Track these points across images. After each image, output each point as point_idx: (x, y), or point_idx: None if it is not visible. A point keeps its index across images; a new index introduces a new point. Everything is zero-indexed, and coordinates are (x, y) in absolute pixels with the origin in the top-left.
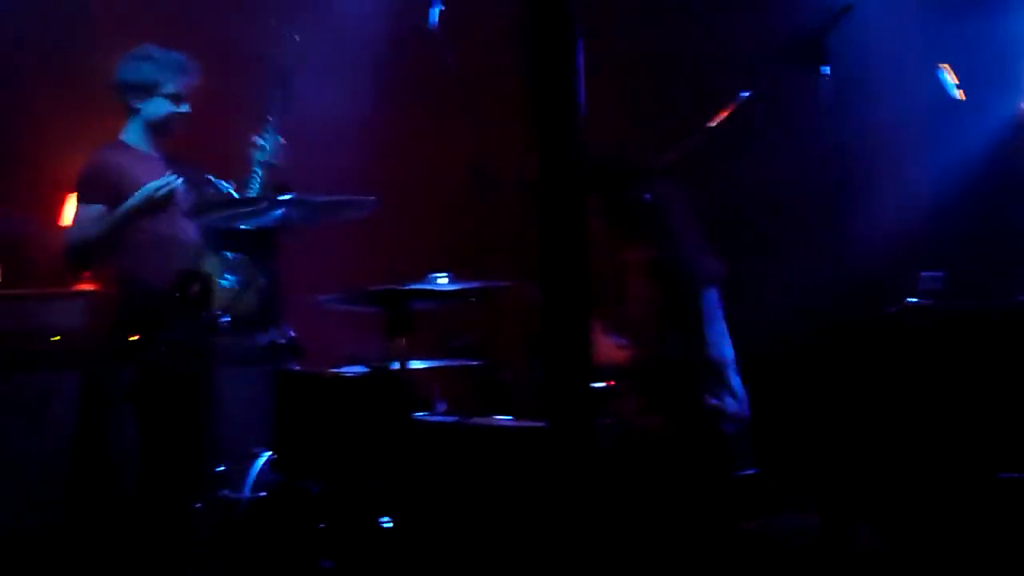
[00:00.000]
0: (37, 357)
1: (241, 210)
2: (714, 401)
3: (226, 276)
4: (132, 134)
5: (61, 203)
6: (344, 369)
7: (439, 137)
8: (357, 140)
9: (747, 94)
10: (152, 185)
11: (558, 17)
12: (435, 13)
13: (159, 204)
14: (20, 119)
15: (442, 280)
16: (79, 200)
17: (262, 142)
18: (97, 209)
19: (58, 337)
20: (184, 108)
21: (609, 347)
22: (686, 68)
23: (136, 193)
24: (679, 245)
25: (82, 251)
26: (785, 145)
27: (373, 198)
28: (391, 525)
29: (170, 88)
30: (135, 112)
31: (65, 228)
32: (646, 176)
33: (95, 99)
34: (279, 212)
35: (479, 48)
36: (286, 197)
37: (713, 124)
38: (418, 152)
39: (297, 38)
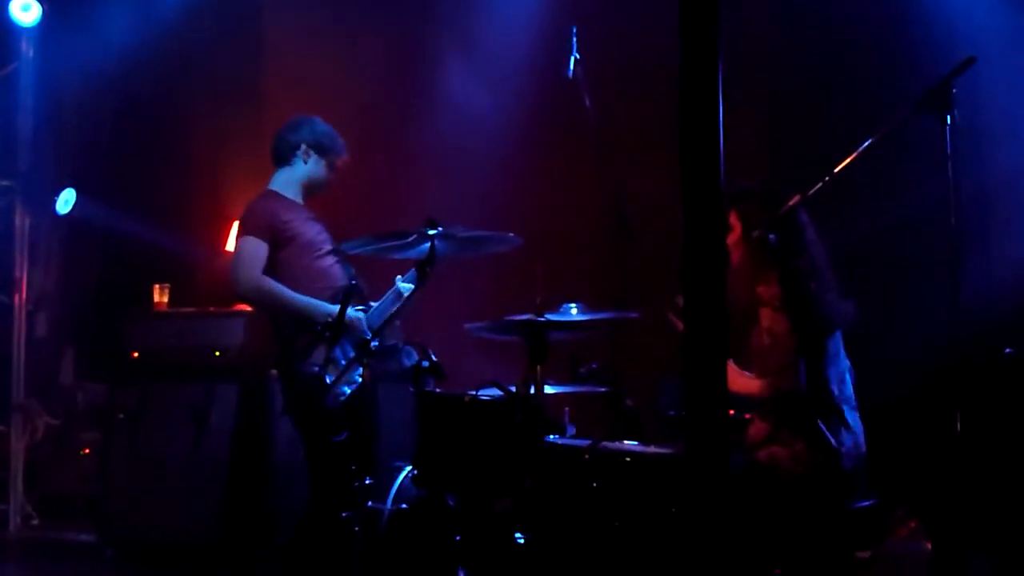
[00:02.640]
0: (200, 370)
1: (391, 243)
2: (831, 436)
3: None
4: (281, 185)
5: (225, 234)
6: (482, 392)
7: (579, 179)
8: (503, 180)
9: (871, 141)
10: (357, 324)
11: (703, 60)
12: (571, 63)
13: (343, 331)
14: (196, 165)
15: (572, 310)
16: (243, 233)
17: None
18: (256, 241)
19: (219, 352)
20: (333, 180)
21: (736, 374)
22: (818, 113)
23: (339, 311)
24: (808, 285)
25: (254, 303)
26: (907, 190)
27: (513, 234)
28: (524, 541)
29: (333, 157)
30: (294, 166)
31: (232, 257)
32: (776, 217)
33: (257, 152)
34: (427, 245)
35: (619, 94)
36: (434, 231)
37: (839, 169)
38: (560, 191)
39: None
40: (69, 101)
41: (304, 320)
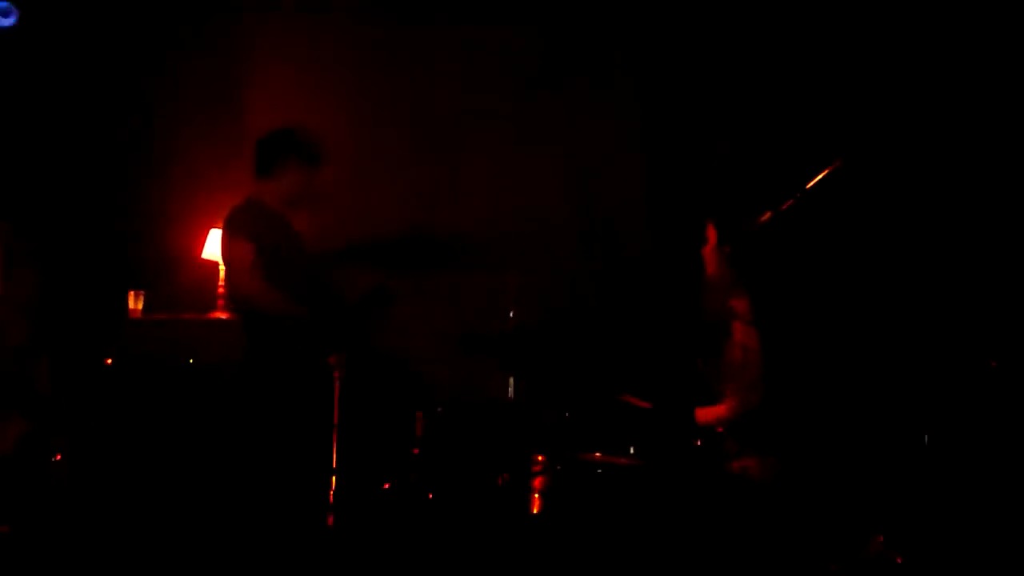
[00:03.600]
0: (177, 377)
1: (364, 254)
2: (801, 448)
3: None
4: (262, 195)
5: (201, 241)
6: (459, 402)
7: (554, 188)
8: (478, 190)
9: (841, 161)
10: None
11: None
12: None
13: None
14: (173, 172)
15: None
16: (230, 238)
17: None
18: (245, 245)
19: (193, 360)
20: (312, 189)
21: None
22: (795, 130)
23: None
24: (777, 301)
25: (253, 306)
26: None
27: (490, 251)
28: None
29: (316, 170)
30: (276, 178)
31: (227, 264)
32: (747, 231)
33: (237, 158)
34: (397, 255)
35: (594, 103)
36: (404, 242)
37: (810, 185)
38: (536, 202)
39: None
40: (46, 103)
41: (292, 325)
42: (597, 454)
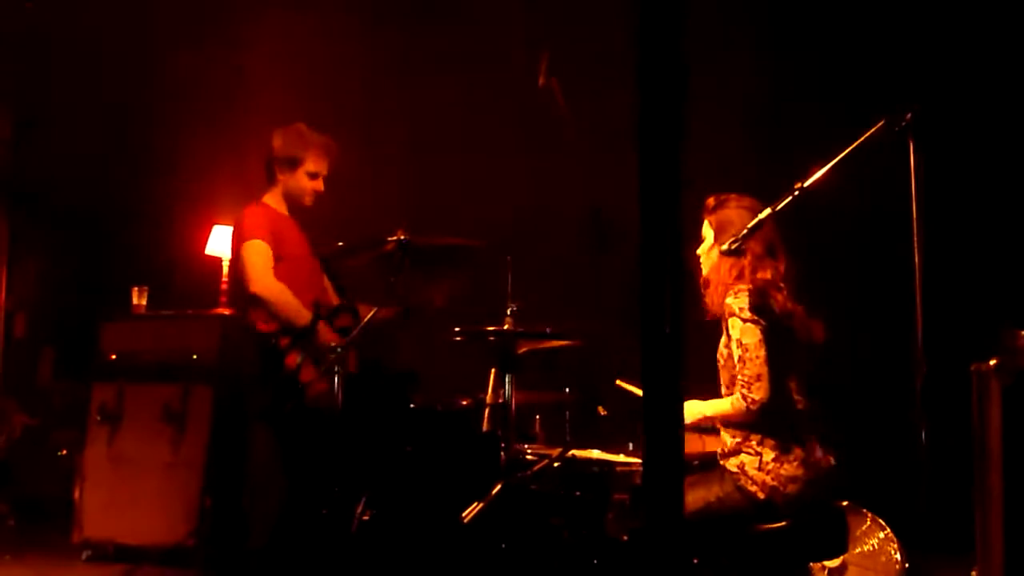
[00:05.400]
0: (178, 372)
1: (365, 252)
2: (798, 445)
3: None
4: (270, 199)
5: (204, 237)
6: (455, 401)
7: (557, 185)
8: (479, 187)
9: (842, 155)
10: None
11: (667, 67)
12: (543, 76)
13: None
14: (176, 167)
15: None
16: (246, 237)
17: None
18: (261, 244)
19: (196, 355)
20: (319, 186)
21: (705, 404)
22: (794, 125)
23: (311, 325)
24: (775, 298)
25: (269, 304)
26: (874, 202)
27: (482, 242)
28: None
29: (311, 166)
30: (275, 183)
31: (243, 262)
32: (746, 230)
33: (238, 154)
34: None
35: (598, 98)
36: (401, 240)
37: (810, 183)
38: (536, 199)
39: None
40: (51, 99)
41: (297, 325)
42: (594, 451)
